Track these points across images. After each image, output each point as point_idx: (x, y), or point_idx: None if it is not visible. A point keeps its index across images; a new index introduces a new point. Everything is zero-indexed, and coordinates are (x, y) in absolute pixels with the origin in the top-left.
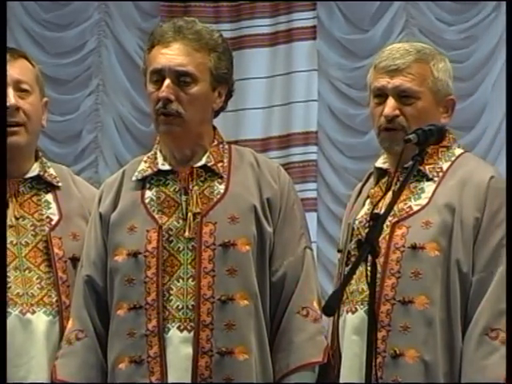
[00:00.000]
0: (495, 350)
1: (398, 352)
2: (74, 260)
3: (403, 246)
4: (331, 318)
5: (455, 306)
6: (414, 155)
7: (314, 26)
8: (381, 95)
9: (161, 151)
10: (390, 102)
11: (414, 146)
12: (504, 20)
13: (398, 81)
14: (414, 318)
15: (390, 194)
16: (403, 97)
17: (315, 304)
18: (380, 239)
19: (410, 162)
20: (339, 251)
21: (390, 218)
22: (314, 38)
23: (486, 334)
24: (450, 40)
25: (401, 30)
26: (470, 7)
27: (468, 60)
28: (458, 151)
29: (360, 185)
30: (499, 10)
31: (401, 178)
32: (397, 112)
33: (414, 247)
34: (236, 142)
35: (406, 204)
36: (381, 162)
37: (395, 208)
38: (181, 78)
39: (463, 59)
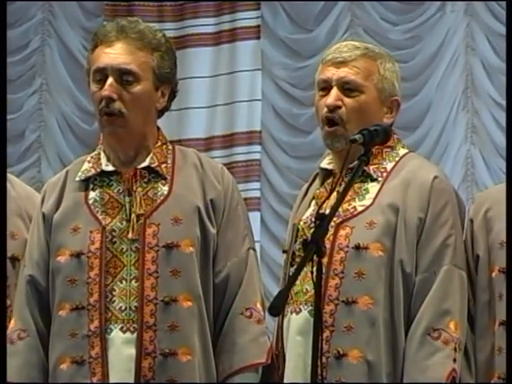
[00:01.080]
0: (437, 350)
1: (341, 352)
2: (13, 260)
3: (347, 247)
4: (277, 319)
5: (398, 306)
6: (360, 155)
7: (258, 26)
8: (326, 87)
9: (104, 151)
10: (334, 91)
11: (359, 146)
12: (449, 20)
13: (342, 72)
14: (358, 318)
15: (334, 194)
16: (347, 89)
17: (259, 305)
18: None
19: (355, 162)
20: (284, 252)
21: (334, 219)
22: (258, 38)
23: (428, 334)
24: (394, 40)
25: (345, 29)
26: (414, 7)
27: (412, 60)
28: (402, 151)
29: (306, 185)
30: (444, 10)
31: (345, 179)
32: (339, 103)
33: (357, 247)
34: (179, 141)
35: (350, 204)
36: (326, 163)
37: (340, 209)
38: (123, 77)
39: (408, 59)
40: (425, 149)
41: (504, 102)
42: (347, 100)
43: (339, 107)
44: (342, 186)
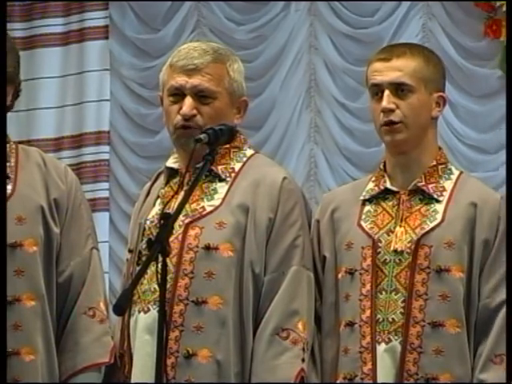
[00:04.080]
0: (286, 350)
1: (190, 352)
2: None
3: (197, 247)
4: (120, 318)
5: (247, 306)
6: (205, 155)
7: (107, 26)
8: (177, 94)
9: None
10: (188, 101)
11: (206, 145)
12: (293, 20)
13: (196, 80)
14: (208, 318)
15: (181, 193)
16: (201, 96)
17: (102, 304)
18: (173, 239)
19: (202, 162)
20: (130, 251)
21: (183, 219)
22: (107, 38)
23: (277, 334)
24: (239, 40)
25: (192, 29)
26: (259, 7)
27: (257, 59)
28: (249, 152)
29: (149, 184)
30: (288, 9)
31: (192, 178)
32: (194, 111)
33: (207, 248)
34: (29, 142)
35: (198, 204)
36: (171, 162)
37: (188, 208)
38: None
39: (252, 59)
40: (269, 148)
41: (346, 102)
42: (202, 108)
43: (195, 115)
44: (189, 185)
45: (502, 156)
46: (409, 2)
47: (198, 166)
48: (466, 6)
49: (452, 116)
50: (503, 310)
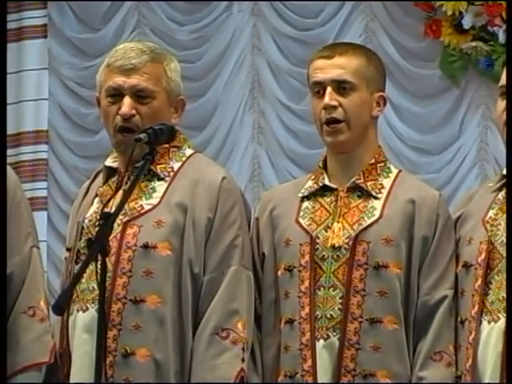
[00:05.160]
0: (225, 350)
1: (129, 351)
2: None
3: (135, 245)
4: (59, 317)
5: (186, 305)
6: (145, 154)
7: (45, 25)
8: (116, 94)
9: None
10: (127, 100)
11: (145, 145)
12: (236, 20)
13: (134, 80)
14: (146, 316)
15: (120, 193)
16: (140, 96)
17: (42, 303)
18: (111, 238)
19: (142, 162)
20: (68, 250)
21: (121, 217)
22: (45, 37)
23: (217, 334)
24: (181, 40)
25: (132, 29)
26: (201, 7)
27: (199, 60)
28: (188, 151)
29: (87, 183)
30: (230, 10)
31: (131, 177)
32: (133, 111)
33: (145, 246)
34: None
35: (137, 203)
36: (110, 161)
37: (126, 207)
38: None
39: (195, 59)
40: (212, 149)
41: (290, 103)
42: (141, 107)
43: (134, 115)
44: (128, 184)
45: (445, 157)
46: (352, 3)
47: (137, 165)
48: (406, 6)
49: (394, 117)
50: (442, 308)
